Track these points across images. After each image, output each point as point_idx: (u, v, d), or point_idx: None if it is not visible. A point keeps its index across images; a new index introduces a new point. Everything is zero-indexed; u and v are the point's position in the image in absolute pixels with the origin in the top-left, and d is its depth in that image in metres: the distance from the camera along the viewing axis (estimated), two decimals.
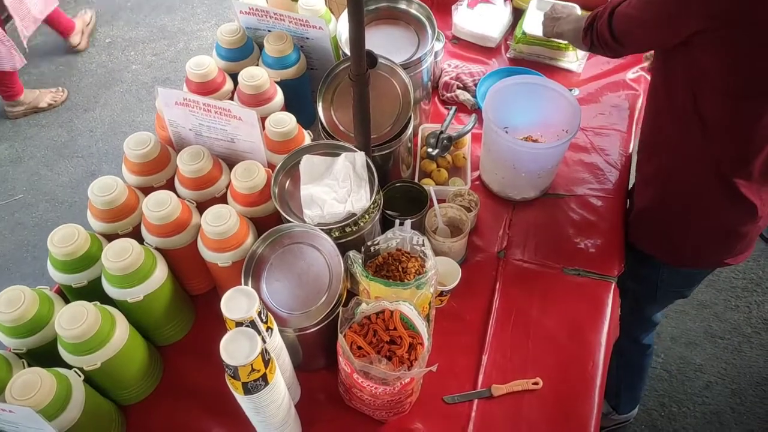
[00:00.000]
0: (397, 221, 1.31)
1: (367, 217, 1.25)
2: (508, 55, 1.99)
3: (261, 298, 1.06)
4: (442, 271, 1.34)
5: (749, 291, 2.60)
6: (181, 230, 1.25)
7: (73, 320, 1.07)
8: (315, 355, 1.28)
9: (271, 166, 1.37)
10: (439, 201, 1.44)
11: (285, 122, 1.37)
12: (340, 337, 1.09)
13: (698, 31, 1.13)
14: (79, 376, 1.09)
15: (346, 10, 1.10)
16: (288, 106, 1.51)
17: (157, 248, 1.25)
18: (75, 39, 3.71)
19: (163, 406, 1.28)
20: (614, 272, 1.46)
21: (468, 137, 1.69)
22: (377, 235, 1.30)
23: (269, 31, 1.58)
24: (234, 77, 1.50)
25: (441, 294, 1.36)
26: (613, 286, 1.44)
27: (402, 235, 1.27)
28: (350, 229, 1.24)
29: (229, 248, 1.22)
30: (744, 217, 1.39)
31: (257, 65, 1.55)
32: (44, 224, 2.97)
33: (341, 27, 1.59)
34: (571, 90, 1.84)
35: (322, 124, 1.43)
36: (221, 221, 1.19)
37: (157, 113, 1.47)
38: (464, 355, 1.34)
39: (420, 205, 1.41)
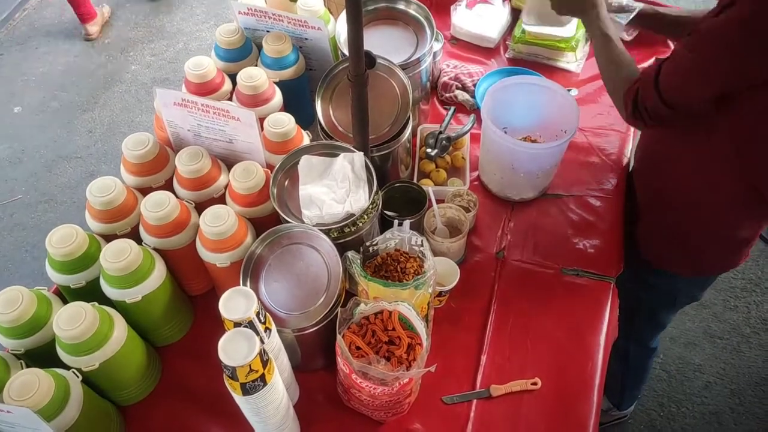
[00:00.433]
0: (396, 221, 1.31)
1: (365, 217, 1.25)
2: (506, 56, 1.99)
3: (259, 299, 1.06)
4: (441, 271, 1.34)
5: (748, 291, 2.60)
6: (179, 231, 1.25)
7: (72, 321, 1.07)
8: (313, 356, 1.28)
9: (269, 166, 1.37)
10: (438, 201, 1.44)
11: (284, 123, 1.37)
12: (339, 337, 1.09)
13: None
14: (78, 376, 1.09)
15: (344, 11, 1.10)
16: (287, 107, 1.51)
17: (155, 249, 1.25)
18: (92, 28, 3.75)
19: (161, 406, 1.28)
20: (613, 272, 1.46)
21: (467, 138, 1.69)
22: (376, 235, 1.30)
23: (268, 31, 1.58)
24: (233, 78, 1.50)
25: (440, 294, 1.36)
26: (611, 287, 1.44)
27: (401, 236, 1.26)
28: (349, 230, 1.24)
29: (228, 248, 1.22)
30: (764, 224, 1.40)
31: (256, 66, 1.54)
32: (43, 225, 2.97)
33: (340, 27, 1.59)
34: (569, 90, 1.84)
35: (320, 124, 1.43)
36: (220, 221, 1.19)
37: (155, 114, 1.47)
38: (463, 355, 1.34)
39: (419, 205, 1.41)
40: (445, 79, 1.86)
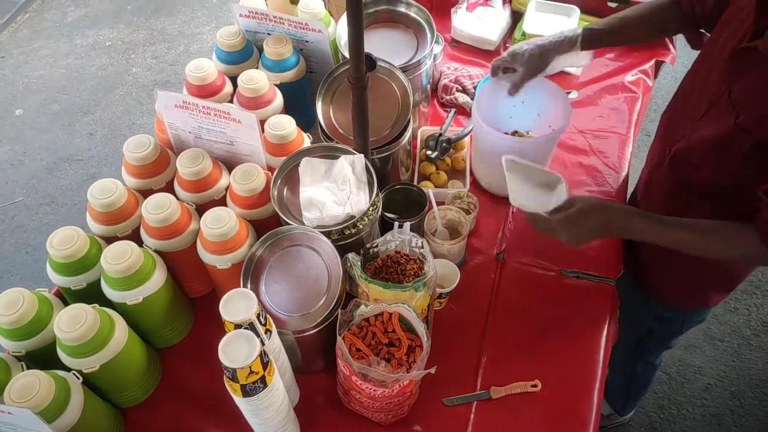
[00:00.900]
0: (396, 224, 1.31)
1: (366, 219, 1.25)
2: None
3: (260, 301, 1.06)
4: (441, 273, 1.34)
5: (749, 293, 2.60)
6: (180, 233, 1.25)
7: (72, 322, 1.07)
8: (314, 358, 1.28)
9: (270, 168, 1.37)
10: (438, 203, 1.44)
11: (284, 125, 1.37)
12: (339, 339, 1.09)
13: None
14: (78, 378, 1.09)
15: (345, 13, 1.11)
16: (287, 109, 1.52)
17: (156, 251, 1.25)
18: None
19: (161, 408, 1.28)
20: (613, 275, 1.46)
21: (467, 140, 1.69)
22: (376, 237, 1.30)
23: (269, 34, 1.58)
24: (233, 80, 1.50)
25: (440, 296, 1.36)
26: (612, 289, 1.44)
27: (401, 238, 1.27)
28: (349, 232, 1.24)
29: (229, 251, 1.22)
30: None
31: (257, 68, 1.55)
32: (44, 227, 2.98)
33: (341, 30, 1.59)
34: (569, 92, 1.85)
35: (321, 126, 1.43)
36: (220, 224, 1.20)
37: (156, 116, 1.47)
38: (463, 357, 1.34)
39: (419, 207, 1.42)
40: (445, 81, 1.87)
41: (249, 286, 1.18)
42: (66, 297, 1.27)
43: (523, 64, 1.42)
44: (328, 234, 1.22)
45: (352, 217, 1.23)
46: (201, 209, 1.28)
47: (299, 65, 1.57)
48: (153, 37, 3.88)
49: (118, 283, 1.16)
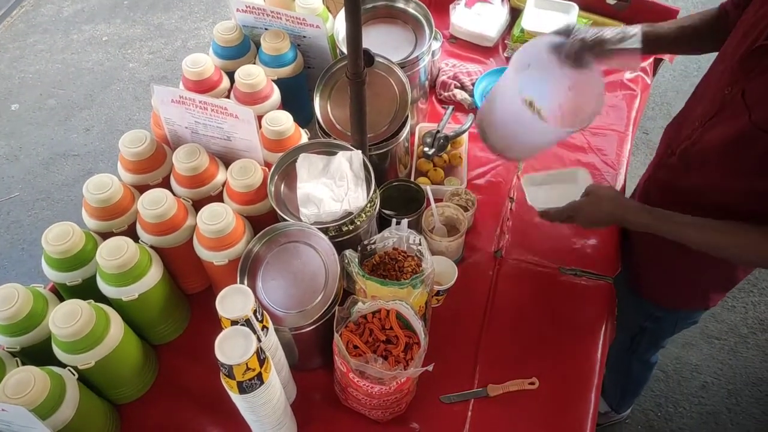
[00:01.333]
0: (394, 220, 1.31)
1: (363, 216, 1.25)
2: (505, 55, 1.98)
3: (257, 297, 1.05)
4: (439, 270, 1.33)
5: (746, 292, 2.60)
6: (176, 228, 1.25)
7: (67, 318, 1.06)
8: (311, 355, 1.28)
9: (267, 164, 1.36)
10: (436, 200, 1.43)
11: (282, 120, 1.36)
12: (336, 336, 1.09)
13: None
14: (73, 374, 1.09)
15: (343, 9, 1.10)
16: (285, 105, 1.51)
17: (152, 246, 1.25)
18: None
19: (157, 405, 1.28)
20: (611, 272, 1.46)
21: (465, 136, 1.69)
22: (374, 234, 1.30)
23: (266, 29, 1.57)
24: (231, 75, 1.49)
25: (437, 293, 1.35)
26: (609, 286, 1.44)
27: (398, 234, 1.26)
28: (347, 228, 1.23)
29: (225, 247, 1.21)
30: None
31: (254, 63, 1.54)
32: (40, 223, 2.96)
33: (338, 25, 1.58)
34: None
35: (319, 122, 1.42)
36: (217, 220, 1.19)
37: (153, 111, 1.46)
38: (461, 354, 1.34)
39: (417, 204, 1.41)
40: (443, 78, 1.86)
41: (246, 282, 1.17)
42: (61, 293, 1.26)
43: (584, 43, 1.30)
44: (325, 230, 1.21)
45: (350, 213, 1.22)
46: (197, 205, 1.27)
47: (297, 61, 1.56)
48: (150, 33, 3.85)
49: (114, 279, 1.16)
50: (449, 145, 1.64)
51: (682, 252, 1.40)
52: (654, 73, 1.97)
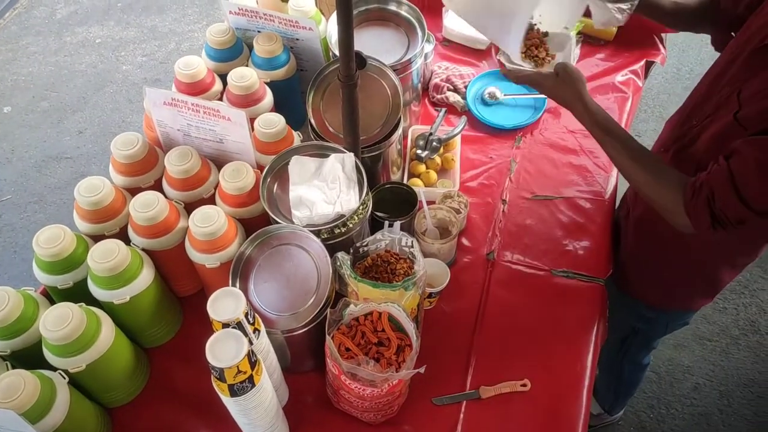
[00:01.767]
0: (386, 223, 1.31)
1: (356, 218, 1.25)
2: (498, 58, 1.97)
3: (248, 300, 1.05)
4: (431, 272, 1.34)
5: (737, 293, 2.62)
6: (168, 231, 1.24)
7: (58, 322, 1.06)
8: (303, 357, 1.27)
9: (260, 167, 1.36)
10: (429, 203, 1.44)
11: (274, 123, 1.36)
12: (328, 338, 1.09)
13: None
14: (64, 378, 1.08)
15: (336, 11, 1.10)
16: (277, 107, 1.51)
17: (144, 249, 1.24)
18: None
19: (149, 408, 1.27)
20: (602, 274, 1.47)
21: (457, 139, 1.69)
22: (366, 236, 1.30)
23: (259, 31, 1.58)
24: (223, 78, 1.49)
25: (430, 296, 1.35)
26: (601, 288, 1.45)
27: (391, 237, 1.26)
28: (339, 231, 1.23)
29: (217, 249, 1.21)
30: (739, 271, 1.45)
31: (247, 66, 1.54)
32: (32, 225, 2.95)
33: (331, 28, 1.58)
34: None
35: (311, 125, 1.43)
36: (209, 222, 1.19)
37: (145, 113, 1.46)
38: (453, 356, 1.34)
39: (409, 206, 1.41)
40: (436, 80, 1.86)
41: (238, 285, 1.17)
42: (52, 296, 1.26)
43: None
44: (317, 233, 1.21)
45: (342, 216, 1.22)
46: (189, 207, 1.27)
47: (290, 63, 1.56)
48: (143, 35, 3.85)
49: (105, 282, 1.15)
50: (442, 148, 1.65)
51: (669, 253, 1.42)
52: (645, 76, 1.99)
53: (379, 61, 1.44)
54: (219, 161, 1.39)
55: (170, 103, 1.32)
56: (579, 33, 1.98)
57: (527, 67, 1.33)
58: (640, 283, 1.57)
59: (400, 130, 1.46)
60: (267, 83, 1.51)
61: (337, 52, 1.39)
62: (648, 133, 3.06)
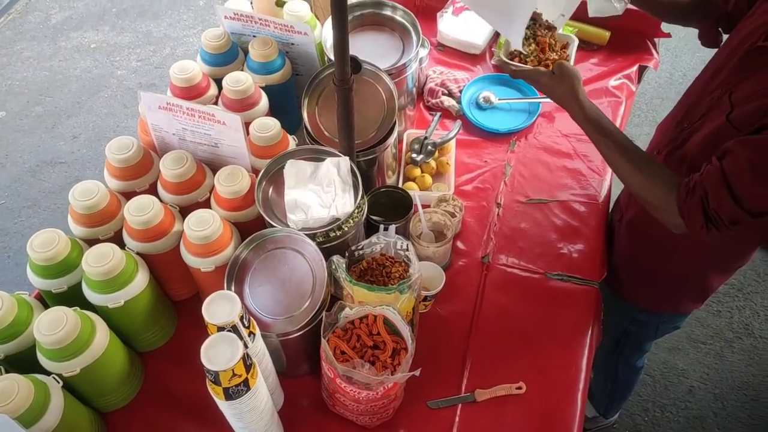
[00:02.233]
0: (382, 226, 1.31)
1: (351, 221, 1.25)
2: (492, 62, 2.00)
3: (244, 303, 1.05)
4: (426, 276, 1.34)
5: (731, 296, 2.63)
6: (163, 235, 1.24)
7: (52, 326, 1.06)
8: (298, 361, 1.27)
9: (255, 170, 1.37)
10: (424, 206, 1.44)
11: (269, 127, 1.37)
12: (324, 341, 1.09)
13: None
14: (58, 382, 1.08)
15: (331, 16, 1.11)
16: (273, 111, 1.51)
17: (138, 253, 1.24)
18: None
19: (144, 412, 1.27)
20: (597, 277, 1.47)
21: (452, 143, 1.70)
22: (361, 239, 1.30)
23: (254, 36, 1.58)
24: (219, 82, 1.50)
25: (425, 299, 1.36)
26: (596, 291, 1.45)
27: (386, 240, 1.27)
28: (334, 234, 1.24)
29: (212, 253, 1.21)
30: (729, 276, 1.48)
31: (242, 70, 1.54)
32: (26, 230, 2.94)
33: (326, 33, 1.59)
34: None
35: (306, 129, 1.43)
36: (204, 226, 1.19)
37: (140, 117, 1.46)
38: (448, 359, 1.34)
39: (404, 210, 1.42)
40: (431, 85, 1.87)
41: (233, 288, 1.17)
42: (47, 300, 1.25)
43: None
44: (312, 236, 1.21)
45: (337, 219, 1.23)
46: (184, 211, 1.27)
47: (285, 68, 1.56)
48: (138, 40, 3.85)
49: (100, 286, 1.15)
50: (437, 152, 1.65)
51: (660, 256, 1.43)
52: (639, 80, 2.00)
53: (374, 65, 1.45)
54: (214, 165, 1.39)
55: (165, 107, 1.32)
56: None
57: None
58: (632, 286, 1.58)
59: (395, 134, 1.46)
60: (262, 87, 1.51)
61: (332, 57, 1.40)
62: (641, 138, 3.08)
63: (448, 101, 1.84)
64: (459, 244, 1.54)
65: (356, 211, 1.26)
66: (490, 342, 1.37)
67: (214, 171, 1.34)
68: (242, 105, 1.44)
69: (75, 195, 1.24)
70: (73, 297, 1.19)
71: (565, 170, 1.70)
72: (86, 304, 1.17)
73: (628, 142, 1.20)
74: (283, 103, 1.58)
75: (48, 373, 1.08)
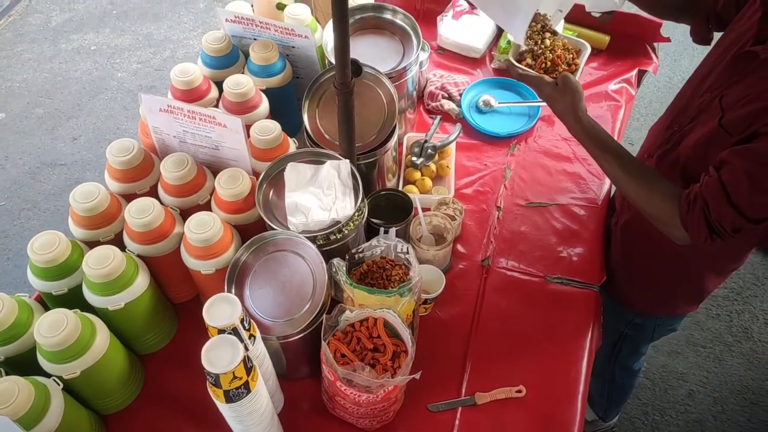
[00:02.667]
0: (382, 229, 1.31)
1: (351, 224, 1.25)
2: (492, 66, 2.01)
3: (244, 306, 1.05)
4: (426, 279, 1.34)
5: (730, 300, 2.63)
6: (163, 237, 1.24)
7: (53, 328, 1.06)
8: (298, 363, 1.27)
9: (255, 173, 1.37)
10: (424, 209, 1.44)
11: (270, 130, 1.37)
12: (324, 344, 1.09)
13: None
14: (59, 384, 1.08)
15: (331, 19, 1.11)
16: (273, 114, 1.51)
17: (139, 255, 1.24)
18: None
19: (144, 415, 1.27)
20: (597, 280, 1.48)
21: (452, 146, 1.70)
22: (362, 242, 1.30)
23: (255, 39, 1.58)
24: (219, 85, 1.50)
25: (425, 302, 1.36)
26: (595, 295, 1.46)
27: (386, 243, 1.27)
28: (335, 237, 1.24)
29: (213, 256, 1.21)
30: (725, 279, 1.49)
31: (243, 73, 1.55)
32: (26, 232, 2.94)
33: (327, 36, 1.59)
34: None
35: (307, 132, 1.43)
36: (205, 228, 1.19)
37: (140, 120, 1.47)
38: (448, 363, 1.34)
39: (404, 213, 1.42)
40: (431, 88, 1.88)
41: (233, 291, 1.17)
42: (47, 302, 1.25)
43: None
44: (313, 239, 1.21)
45: (338, 222, 1.23)
46: (185, 214, 1.27)
47: (285, 71, 1.57)
48: (139, 42, 3.85)
49: (100, 288, 1.15)
50: (437, 155, 1.66)
51: (655, 259, 1.44)
52: (638, 84, 2.01)
53: (375, 68, 1.45)
54: (215, 168, 1.39)
55: (166, 109, 1.32)
56: None
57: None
58: (628, 289, 1.58)
59: (395, 138, 1.47)
60: (263, 90, 1.51)
61: (332, 60, 1.40)
62: (640, 142, 3.04)
63: (448, 104, 1.84)
64: (459, 248, 1.55)
65: (356, 214, 1.26)
66: (490, 345, 1.37)
67: (215, 173, 1.34)
68: (243, 108, 1.44)
69: (76, 197, 1.24)
70: (73, 299, 1.19)
71: (564, 174, 1.71)
72: (87, 307, 1.17)
73: (627, 156, 1.20)
74: (284, 106, 1.59)
75: (48, 376, 1.08)
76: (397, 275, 1.26)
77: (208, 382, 0.95)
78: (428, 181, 1.62)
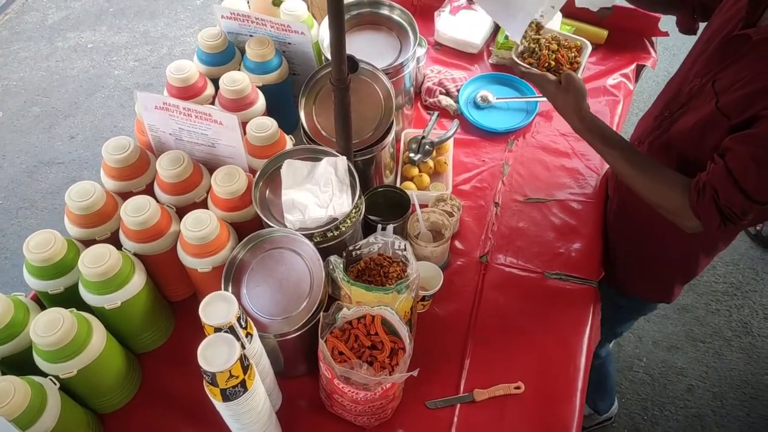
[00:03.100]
0: (379, 226, 1.31)
1: (348, 221, 1.25)
2: (490, 61, 2.00)
3: (241, 304, 1.05)
4: (424, 275, 1.34)
5: (729, 295, 2.63)
6: (160, 236, 1.24)
7: (49, 327, 1.05)
8: (296, 361, 1.27)
9: (252, 170, 1.36)
10: (422, 206, 1.44)
11: (266, 127, 1.36)
12: (321, 342, 1.08)
13: None
14: (55, 384, 1.07)
15: (327, 15, 1.10)
16: (270, 111, 1.51)
17: (135, 254, 1.24)
18: None
19: (141, 414, 1.26)
20: (595, 276, 1.47)
21: (450, 142, 1.70)
22: (359, 239, 1.30)
23: (251, 35, 1.57)
24: (215, 82, 1.49)
25: (423, 299, 1.35)
26: (594, 290, 1.45)
27: (384, 240, 1.26)
28: (332, 234, 1.23)
29: (209, 253, 1.21)
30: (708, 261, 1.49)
31: (239, 70, 1.54)
32: (23, 231, 2.93)
33: (323, 32, 1.59)
34: None
35: (303, 128, 1.42)
36: (201, 226, 1.18)
37: (136, 118, 1.46)
38: (446, 359, 1.34)
39: (402, 209, 1.41)
40: (428, 84, 1.87)
41: (230, 289, 1.17)
42: (43, 301, 1.25)
43: None
44: (310, 236, 1.21)
45: (335, 219, 1.22)
46: (181, 212, 1.26)
47: (282, 67, 1.56)
48: (135, 40, 3.84)
49: (96, 286, 1.14)
50: (434, 151, 1.65)
51: (645, 241, 1.45)
52: (636, 79, 2.00)
53: (372, 64, 1.44)
54: (211, 165, 1.38)
55: (162, 107, 1.32)
56: None
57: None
58: (614, 270, 1.58)
59: (392, 134, 1.46)
60: (259, 87, 1.51)
61: (329, 56, 1.40)
62: None
63: (445, 100, 1.84)
64: (457, 244, 1.54)
65: (354, 210, 1.25)
66: (488, 342, 1.37)
67: (211, 171, 1.33)
68: (239, 105, 1.44)
69: (71, 196, 1.24)
70: (69, 298, 1.18)
71: (563, 169, 1.70)
72: (83, 305, 1.17)
73: (632, 150, 1.21)
74: (280, 102, 1.58)
75: (45, 375, 1.08)
76: (395, 272, 1.25)
77: (204, 381, 0.95)
78: (426, 178, 1.62)
